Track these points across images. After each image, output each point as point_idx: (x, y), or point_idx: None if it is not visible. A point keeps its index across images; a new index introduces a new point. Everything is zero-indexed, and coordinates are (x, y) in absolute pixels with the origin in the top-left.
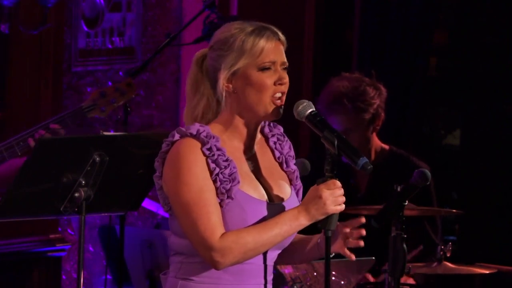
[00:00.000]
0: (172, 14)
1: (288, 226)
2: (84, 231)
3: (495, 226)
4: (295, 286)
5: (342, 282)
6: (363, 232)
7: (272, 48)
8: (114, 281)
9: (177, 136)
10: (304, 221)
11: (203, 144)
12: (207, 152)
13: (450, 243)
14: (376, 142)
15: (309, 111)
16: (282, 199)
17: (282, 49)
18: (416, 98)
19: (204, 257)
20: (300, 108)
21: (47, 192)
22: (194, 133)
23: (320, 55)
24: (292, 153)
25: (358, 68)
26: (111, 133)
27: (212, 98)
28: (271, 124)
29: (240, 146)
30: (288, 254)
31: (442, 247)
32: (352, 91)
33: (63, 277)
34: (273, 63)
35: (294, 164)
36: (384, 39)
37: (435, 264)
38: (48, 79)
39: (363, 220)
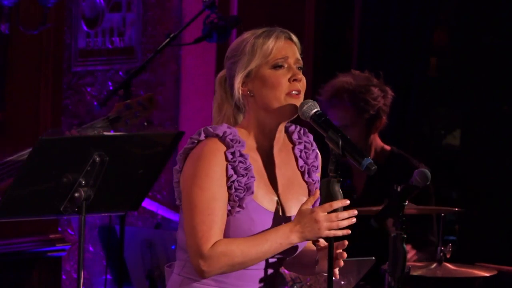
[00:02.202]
0: (172, 14)
1: (278, 244)
2: (84, 231)
3: (495, 226)
4: (295, 286)
5: (342, 282)
6: (345, 254)
7: (282, 45)
8: (114, 281)
9: (203, 136)
10: (295, 240)
11: (228, 147)
12: (230, 157)
13: (450, 244)
14: (377, 142)
15: (314, 111)
16: (296, 211)
17: (295, 48)
18: (416, 98)
19: (192, 262)
20: (305, 108)
21: (47, 192)
22: (221, 134)
23: (320, 55)
24: (317, 163)
25: (358, 68)
26: (111, 133)
27: (233, 117)
28: (301, 131)
29: (262, 152)
30: (294, 266)
31: (442, 248)
32: (355, 88)
33: (63, 277)
34: (285, 59)
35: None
36: (384, 39)
37: (435, 265)
38: (48, 79)
39: (346, 243)
